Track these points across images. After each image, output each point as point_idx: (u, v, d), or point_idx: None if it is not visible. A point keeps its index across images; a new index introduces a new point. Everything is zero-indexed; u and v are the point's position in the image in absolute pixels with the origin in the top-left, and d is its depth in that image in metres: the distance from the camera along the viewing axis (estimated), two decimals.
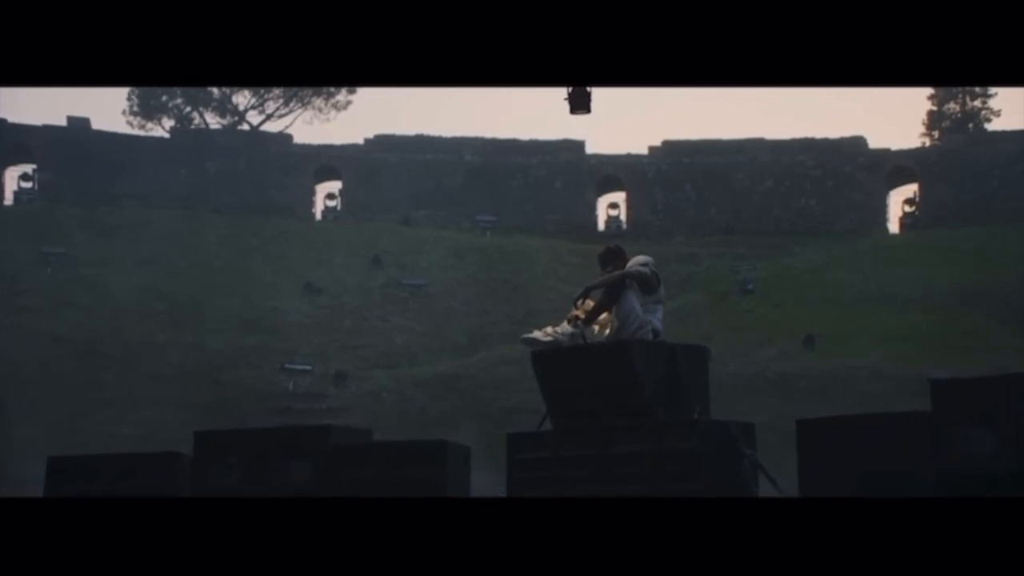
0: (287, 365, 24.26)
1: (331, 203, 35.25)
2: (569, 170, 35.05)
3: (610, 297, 7.05)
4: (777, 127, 70.50)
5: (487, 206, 33.98)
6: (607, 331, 7.19)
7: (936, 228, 31.40)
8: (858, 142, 34.36)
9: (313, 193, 35.86)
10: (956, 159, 33.35)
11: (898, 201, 34.82)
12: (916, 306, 26.14)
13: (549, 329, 7.24)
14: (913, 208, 34.05)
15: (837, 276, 28.25)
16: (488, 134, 35.35)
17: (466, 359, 25.18)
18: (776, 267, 29.31)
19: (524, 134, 35.74)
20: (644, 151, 35.64)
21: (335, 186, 35.67)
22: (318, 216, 35.19)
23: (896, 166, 33.87)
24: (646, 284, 7.10)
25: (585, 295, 7.19)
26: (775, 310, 26.47)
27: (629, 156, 35.73)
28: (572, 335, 7.08)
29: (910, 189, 35.10)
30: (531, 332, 7.28)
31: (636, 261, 7.22)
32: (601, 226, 35.35)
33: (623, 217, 35.12)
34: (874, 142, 34.93)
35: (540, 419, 7.22)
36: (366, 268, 29.93)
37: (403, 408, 23.10)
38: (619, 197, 35.59)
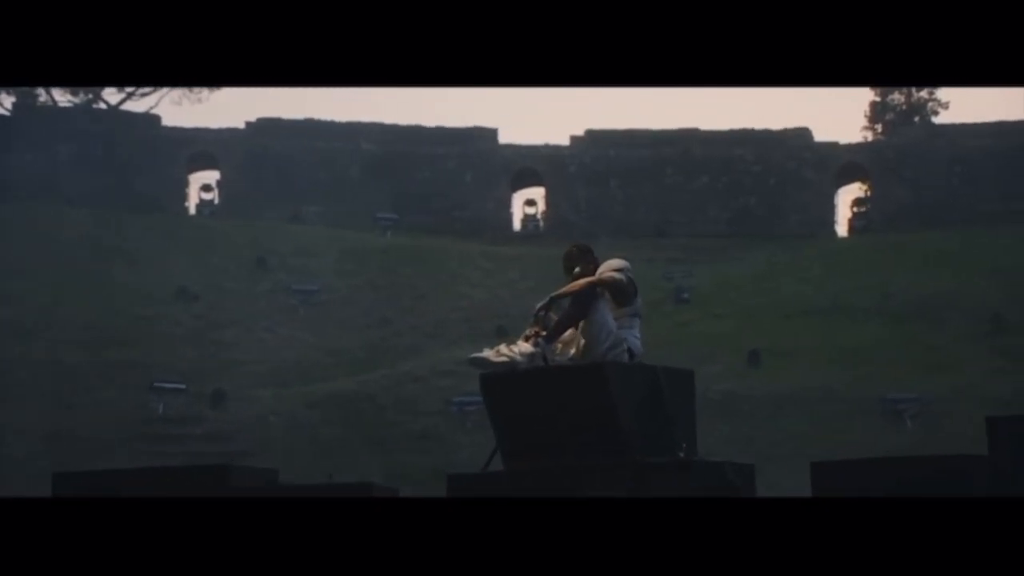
0: (156, 384, 23.52)
1: (207, 196, 34.80)
2: (480, 162, 34.83)
3: (578, 309, 6.55)
4: (713, 116, 71.23)
5: (388, 202, 33.71)
6: (572, 351, 6.69)
7: (891, 232, 31.77)
8: (803, 135, 34.59)
9: (186, 184, 35.31)
10: (911, 155, 33.75)
11: (847, 201, 35.19)
12: (873, 318, 26.37)
13: (503, 348, 6.72)
14: (863, 209, 34.37)
15: (783, 284, 28.47)
16: (388, 119, 34.83)
17: (365, 376, 24.89)
18: (715, 274, 29.40)
19: (429, 120, 35.20)
20: (565, 141, 35.63)
21: (212, 176, 35.10)
22: (192, 210, 34.69)
23: (846, 162, 34.17)
24: (621, 293, 6.63)
25: (548, 307, 6.67)
26: (715, 322, 26.52)
27: (548, 147, 35.61)
28: (531, 355, 6.58)
29: (857, 188, 35.50)
30: (481, 351, 6.75)
31: (610, 265, 6.74)
32: (517, 225, 35.27)
33: (541, 216, 35.13)
34: (818, 134, 35.18)
35: (488, 456, 6.71)
36: (249, 271, 29.39)
37: (293, 434, 22.49)
38: (537, 193, 35.57)
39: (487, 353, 6.75)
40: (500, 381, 6.65)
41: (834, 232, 34.24)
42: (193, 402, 23.53)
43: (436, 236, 32.38)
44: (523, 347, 6.63)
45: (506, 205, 35.32)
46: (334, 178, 34.19)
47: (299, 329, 26.90)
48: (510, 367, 6.62)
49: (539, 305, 6.76)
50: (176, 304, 27.47)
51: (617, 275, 6.66)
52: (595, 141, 35.05)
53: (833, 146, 34.49)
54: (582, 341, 6.59)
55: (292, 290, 28.09)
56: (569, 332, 6.70)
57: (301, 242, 30.79)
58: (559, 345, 6.69)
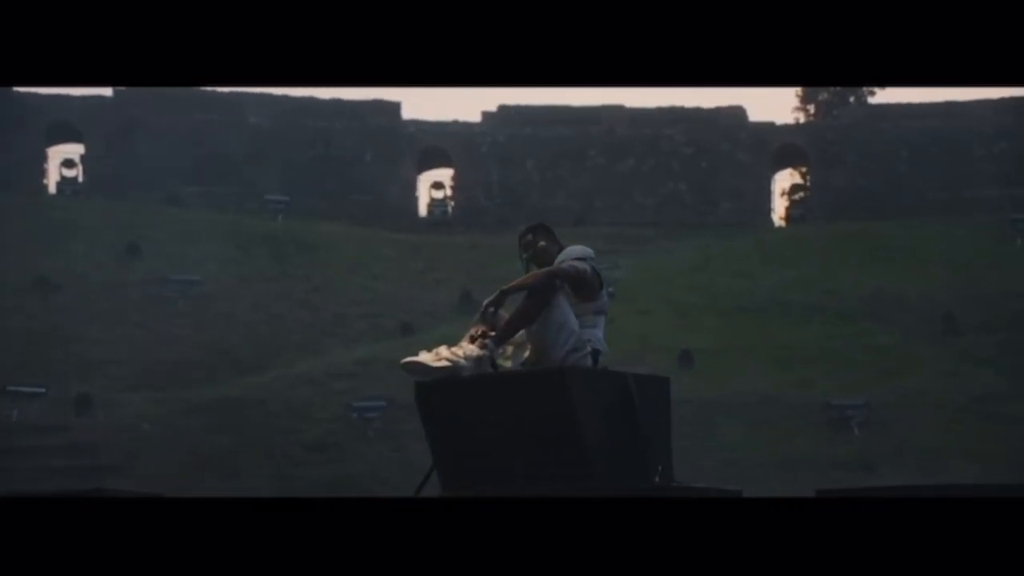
0: (10, 387, 22.65)
1: (69, 173, 33.94)
2: (382, 139, 34.40)
3: (534, 305, 6.05)
4: (640, 93, 71.18)
5: (278, 183, 33.23)
6: (525, 354, 6.19)
7: (833, 221, 31.90)
8: (737, 114, 34.62)
9: (44, 159, 34.30)
10: (853, 137, 33.96)
11: (783, 188, 35.33)
12: (815, 317, 26.46)
13: (444, 351, 6.19)
14: (801, 196, 34.55)
15: (717, 279, 28.45)
16: (278, 90, 33.95)
17: (253, 379, 24.42)
18: (642, 266, 29.36)
19: (324, 91, 34.45)
20: (476, 118, 35.27)
21: (75, 150, 34.17)
22: (52, 189, 33.80)
23: (783, 144, 34.20)
24: (585, 287, 6.16)
25: (498, 302, 6.16)
26: (643, 320, 26.39)
27: (457, 124, 35.26)
28: (478, 360, 6.07)
29: (789, 174, 35.69)
30: (416, 355, 6.23)
31: (570, 253, 6.25)
32: (423, 211, 34.96)
33: (450, 201, 34.91)
34: (753, 114, 35.34)
35: (421, 478, 6.24)
36: (119, 259, 28.62)
37: (169, 444, 21.77)
38: (445, 175, 35.32)
39: (424, 356, 6.22)
40: (439, 390, 6.13)
41: (771, 221, 34.40)
42: (53, 408, 22.81)
43: (333, 221, 31.97)
44: (468, 350, 6.10)
45: (411, 188, 34.99)
46: (216, 155, 33.50)
47: (177, 325, 26.35)
48: (452, 373, 6.11)
49: (487, 301, 6.25)
50: (33, 296, 26.64)
51: (580, 264, 6.18)
52: (509, 118, 34.78)
53: (769, 127, 34.57)
54: (538, 343, 6.10)
55: (169, 281, 27.49)
56: (522, 333, 6.20)
57: (179, 227, 30.12)
58: (509, 347, 6.19)
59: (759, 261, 29.08)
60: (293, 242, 30.36)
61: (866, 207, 32.53)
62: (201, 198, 32.57)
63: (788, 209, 34.81)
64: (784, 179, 35.41)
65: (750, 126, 34.30)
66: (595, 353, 6.15)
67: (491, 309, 6.20)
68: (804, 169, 35.58)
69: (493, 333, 6.16)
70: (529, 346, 6.21)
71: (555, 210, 33.28)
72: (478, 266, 29.21)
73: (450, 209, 34.60)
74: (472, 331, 6.27)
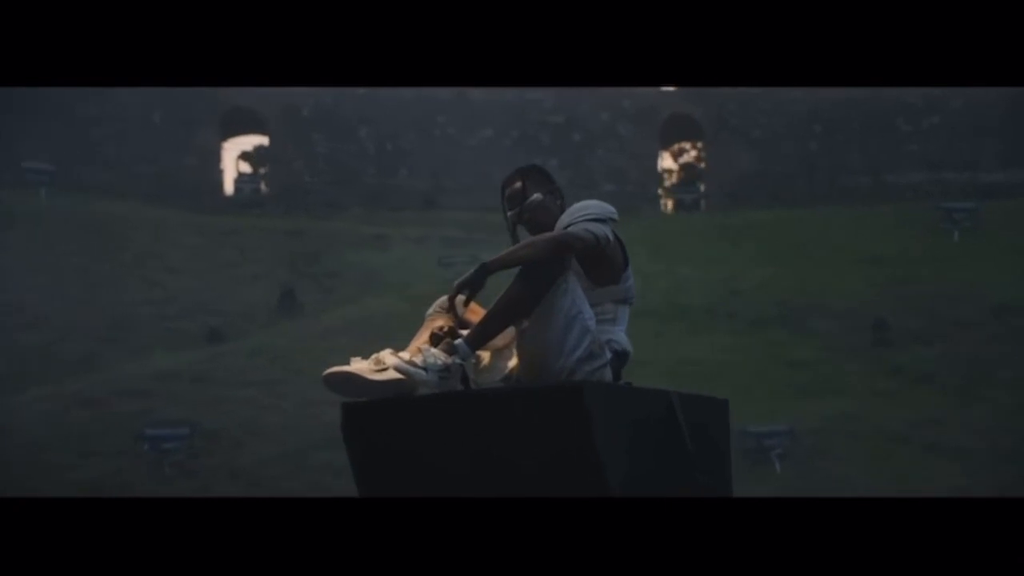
0: None
1: None
2: (174, 96, 33.12)
3: (532, 288, 4.92)
4: None
5: (41, 148, 32.22)
6: (511, 363, 5.07)
7: (734, 209, 31.84)
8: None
9: None
10: (758, 109, 33.89)
11: (672, 167, 35.25)
12: (720, 324, 26.23)
13: (388, 356, 5.04)
14: (694, 177, 34.53)
15: None
16: None
17: (11, 399, 23.44)
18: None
19: None
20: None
21: None
22: None
23: (673, 115, 33.98)
24: (603, 262, 5.07)
25: (475, 284, 5.04)
26: None
27: None
28: (445, 370, 4.93)
29: (686, 150, 35.65)
30: (346, 363, 5.09)
31: (583, 210, 5.14)
32: (229, 188, 34.52)
33: (264, 176, 34.57)
34: None
35: None
36: None
37: None
38: (257, 142, 35.22)
39: (359, 365, 5.05)
40: (381, 416, 5.00)
41: (660, 208, 34.40)
42: None
43: (115, 199, 31.19)
44: (431, 355, 4.94)
45: (214, 159, 34.24)
46: None
47: None
48: (402, 391, 4.97)
49: (458, 281, 5.11)
50: None
51: (598, 229, 5.06)
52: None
53: (657, 93, 34.35)
54: (535, 345, 4.95)
55: None
56: (509, 331, 5.07)
57: None
58: (486, 353, 5.06)
59: (648, 256, 28.75)
60: (61, 224, 29.55)
61: (773, 192, 32.58)
62: None
63: (675, 194, 34.74)
64: (674, 157, 35.33)
65: (634, 93, 34.01)
66: (617, 361, 5.03)
67: (463, 294, 5.04)
68: (699, 146, 35.49)
69: (465, 331, 5.02)
70: (518, 351, 5.06)
71: (396, 190, 33.08)
72: (303, 258, 29.07)
73: (264, 187, 34.21)
74: (432, 327, 5.12)
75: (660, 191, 34.87)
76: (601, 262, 5.07)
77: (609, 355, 4.99)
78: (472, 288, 5.09)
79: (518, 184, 5.31)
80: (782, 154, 33.74)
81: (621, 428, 4.75)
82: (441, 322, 5.18)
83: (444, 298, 5.28)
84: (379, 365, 5.04)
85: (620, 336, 5.06)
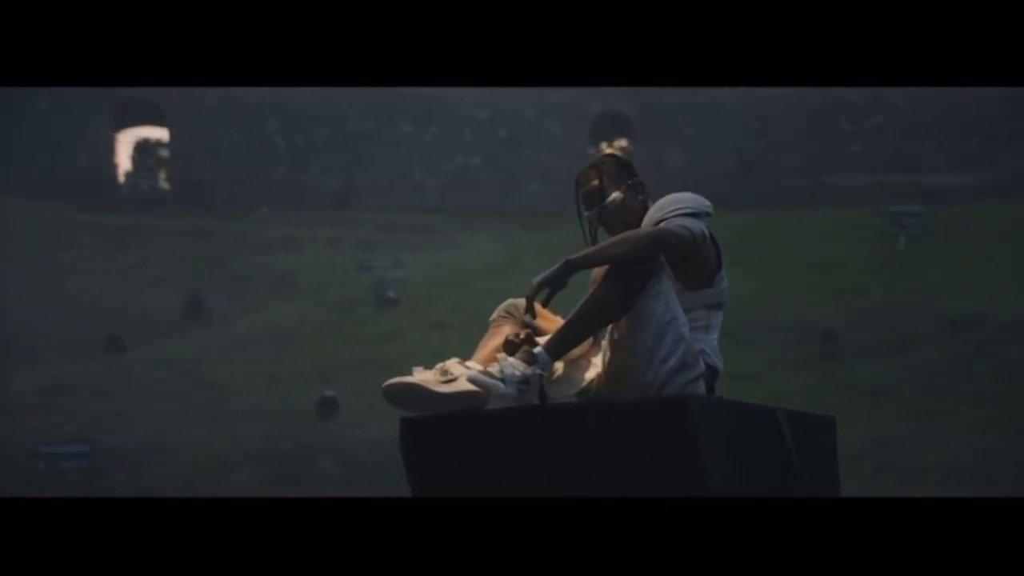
0: None
1: None
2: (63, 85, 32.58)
3: (624, 290, 4.67)
4: None
5: None
6: (589, 375, 4.82)
7: None
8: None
9: None
10: (693, 105, 33.94)
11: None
12: None
13: (454, 366, 4.78)
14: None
15: (527, 282, 27.59)
16: None
17: None
18: (429, 264, 29.11)
19: None
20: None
21: None
22: None
23: (604, 112, 34.00)
24: (698, 263, 4.83)
25: (557, 281, 4.81)
26: (436, 334, 25.73)
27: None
28: (522, 383, 4.67)
29: (617, 148, 35.68)
30: (409, 374, 4.82)
31: (674, 204, 4.90)
32: (124, 184, 34.33)
33: (162, 171, 34.48)
34: None
35: None
36: None
37: None
38: (155, 135, 34.87)
39: (422, 376, 4.78)
40: (447, 432, 4.74)
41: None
42: None
43: None
44: (509, 365, 4.68)
45: (107, 151, 33.79)
46: None
47: None
48: (470, 403, 4.71)
49: (538, 279, 4.86)
50: None
51: (695, 225, 4.83)
52: None
53: (587, 90, 34.28)
54: (623, 354, 4.70)
55: None
56: (586, 341, 4.83)
57: None
58: (558, 365, 4.81)
59: None
60: None
61: (709, 193, 32.38)
62: None
63: None
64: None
65: (563, 88, 33.99)
66: (710, 375, 4.82)
67: (544, 293, 4.80)
68: (630, 144, 35.53)
69: (545, 340, 4.76)
70: (602, 360, 4.82)
71: (308, 188, 32.87)
72: (210, 261, 28.64)
73: (163, 182, 34.04)
74: (501, 333, 4.87)
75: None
76: (695, 262, 4.84)
77: (703, 368, 4.77)
78: (553, 287, 4.85)
79: (595, 182, 5.06)
80: (717, 153, 33.82)
81: (725, 446, 4.53)
82: (509, 329, 4.94)
83: (510, 301, 5.05)
84: (446, 376, 4.78)
85: (711, 346, 4.84)
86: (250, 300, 27.34)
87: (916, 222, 30.23)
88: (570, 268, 4.80)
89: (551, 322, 5.00)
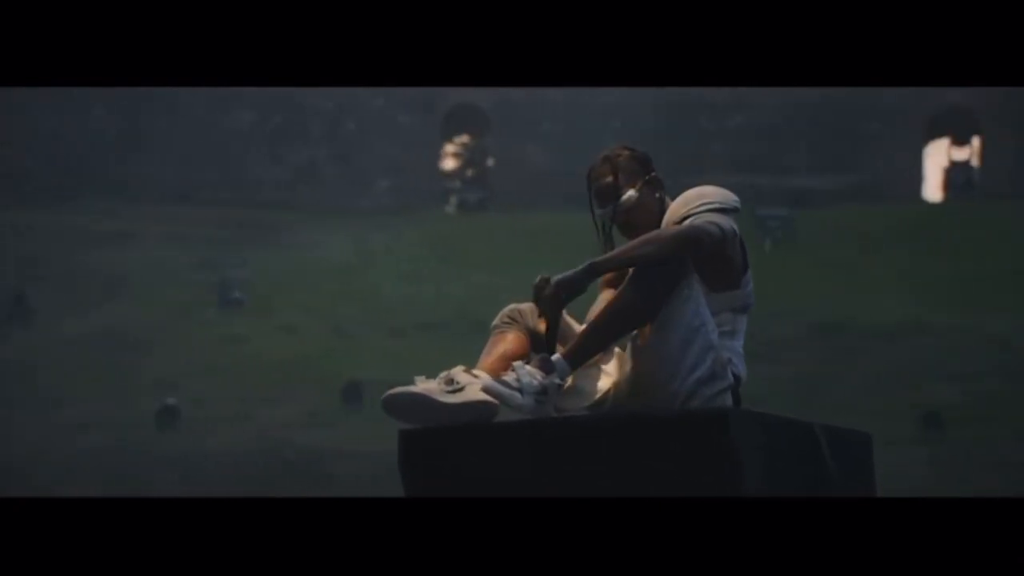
0: None
1: None
2: None
3: (651, 293, 4.48)
4: None
5: None
6: (604, 385, 4.63)
7: (524, 209, 32.07)
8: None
9: None
10: (550, 102, 34.12)
11: (453, 162, 35.30)
12: None
13: (462, 375, 4.56)
14: (471, 173, 34.71)
15: (381, 284, 28.34)
16: None
17: None
18: (275, 264, 28.87)
19: None
20: None
21: None
22: None
23: (458, 105, 34.44)
24: (725, 264, 4.67)
25: (578, 285, 4.62)
26: (286, 339, 25.73)
27: None
28: (540, 393, 4.47)
29: (472, 143, 35.86)
30: (412, 384, 4.59)
31: (700, 198, 4.71)
32: None
33: None
34: None
35: None
36: None
37: None
38: None
39: (427, 386, 4.55)
40: (452, 446, 4.52)
41: (442, 206, 34.56)
42: None
43: None
44: (527, 373, 4.47)
45: None
46: None
47: None
48: (479, 415, 4.50)
49: (557, 279, 4.65)
50: None
51: (725, 221, 4.66)
52: None
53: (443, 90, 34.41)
54: (649, 362, 4.51)
55: None
56: (611, 354, 4.65)
57: None
58: (567, 381, 4.60)
59: (436, 261, 28.91)
60: None
61: (569, 193, 32.60)
62: None
63: (459, 192, 34.91)
64: (458, 151, 35.41)
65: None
66: (735, 384, 4.66)
67: (563, 296, 4.59)
68: (485, 140, 35.57)
69: (564, 349, 4.57)
70: (622, 369, 4.63)
71: (138, 179, 32.44)
72: (33, 257, 28.06)
73: None
74: (505, 341, 4.65)
75: (447, 187, 34.88)
76: (723, 262, 4.67)
77: (731, 378, 4.61)
78: (572, 291, 4.65)
79: (608, 177, 4.85)
80: (578, 151, 33.88)
81: (764, 462, 4.38)
82: (513, 335, 4.73)
83: (513, 306, 4.85)
84: (452, 385, 4.55)
85: (737, 352, 4.69)
86: (79, 300, 26.81)
87: (781, 225, 30.58)
88: (594, 271, 4.61)
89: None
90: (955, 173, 36.39)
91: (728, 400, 4.60)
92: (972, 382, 24.91)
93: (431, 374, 4.65)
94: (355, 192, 33.15)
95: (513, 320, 4.78)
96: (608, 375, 4.68)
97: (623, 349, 4.69)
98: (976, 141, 36.01)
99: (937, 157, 37.01)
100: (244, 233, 29.86)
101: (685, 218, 4.66)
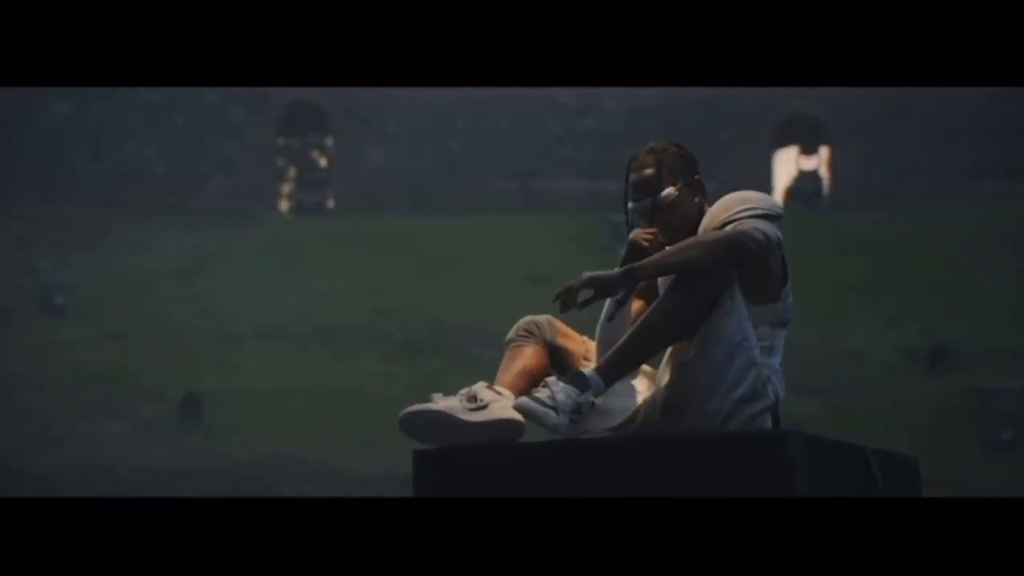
0: None
1: None
2: None
3: (693, 304, 4.32)
4: None
5: None
6: (634, 402, 4.47)
7: (367, 213, 32.02)
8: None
9: None
10: (395, 102, 34.19)
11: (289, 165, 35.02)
12: (368, 349, 26.30)
13: (484, 391, 4.38)
14: (319, 172, 34.47)
15: (218, 291, 27.99)
16: None
17: None
18: (103, 267, 28.52)
19: None
20: None
21: None
22: None
23: (294, 102, 34.10)
24: (765, 273, 4.51)
25: (610, 288, 4.45)
26: (113, 347, 25.37)
27: None
28: (574, 412, 4.31)
29: (302, 142, 35.59)
30: (430, 401, 4.41)
31: (742, 203, 4.53)
32: None
33: None
34: None
35: None
36: None
37: None
38: None
39: (447, 403, 4.36)
40: (472, 467, 4.35)
41: (276, 208, 34.31)
42: None
43: None
44: (561, 390, 4.30)
45: None
46: None
47: None
48: (503, 434, 4.33)
49: (589, 274, 4.48)
50: None
51: (770, 229, 4.49)
52: None
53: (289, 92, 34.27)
54: (688, 379, 4.35)
55: None
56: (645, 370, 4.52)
57: None
58: (591, 402, 4.43)
59: (277, 267, 28.66)
60: None
61: (413, 196, 32.69)
62: None
63: (291, 193, 34.65)
64: (294, 149, 35.09)
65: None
66: (775, 404, 4.52)
67: (586, 292, 4.44)
68: (327, 140, 35.38)
69: (599, 361, 4.42)
70: (658, 387, 4.46)
71: None
72: None
73: None
74: (524, 355, 4.49)
75: (282, 190, 34.62)
76: (765, 273, 4.51)
77: (773, 397, 4.48)
78: (604, 291, 4.48)
79: (650, 170, 4.66)
80: (422, 154, 33.83)
81: (817, 488, 4.25)
82: (531, 350, 4.57)
83: (529, 319, 4.69)
84: (475, 403, 4.36)
85: (775, 369, 4.54)
86: None
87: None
88: (634, 277, 4.41)
89: (573, 340, 4.66)
90: (803, 182, 36.75)
91: (768, 421, 4.47)
92: (826, 396, 25.20)
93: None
94: (184, 191, 32.74)
95: (530, 333, 4.62)
96: (637, 392, 4.53)
97: (654, 365, 4.55)
98: (824, 151, 36.42)
99: (787, 165, 37.40)
100: (65, 233, 29.43)
101: (727, 224, 4.50)
